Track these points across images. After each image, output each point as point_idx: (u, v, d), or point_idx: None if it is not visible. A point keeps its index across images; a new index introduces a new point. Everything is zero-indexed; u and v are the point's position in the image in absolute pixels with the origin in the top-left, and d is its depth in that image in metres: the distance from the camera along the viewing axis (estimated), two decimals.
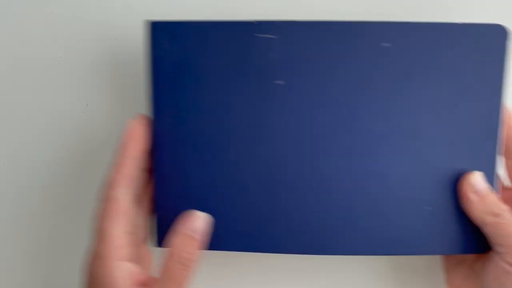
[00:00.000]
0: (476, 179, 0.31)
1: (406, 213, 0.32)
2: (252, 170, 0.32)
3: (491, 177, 0.32)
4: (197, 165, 0.32)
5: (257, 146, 0.32)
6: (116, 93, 0.38)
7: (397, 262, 0.38)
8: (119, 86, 0.38)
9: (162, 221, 0.32)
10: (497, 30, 0.32)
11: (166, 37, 0.32)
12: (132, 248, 0.30)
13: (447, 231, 0.32)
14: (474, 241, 0.32)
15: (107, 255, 0.28)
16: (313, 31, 0.31)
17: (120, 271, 0.28)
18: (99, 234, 0.29)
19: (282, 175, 0.32)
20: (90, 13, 0.37)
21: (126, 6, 0.37)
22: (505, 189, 0.34)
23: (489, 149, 0.32)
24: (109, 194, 0.29)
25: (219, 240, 0.32)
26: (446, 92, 0.32)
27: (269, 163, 0.32)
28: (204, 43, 0.32)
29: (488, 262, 0.32)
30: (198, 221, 0.30)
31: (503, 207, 0.31)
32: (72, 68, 0.37)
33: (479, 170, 0.32)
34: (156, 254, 0.33)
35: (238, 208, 0.32)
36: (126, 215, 0.29)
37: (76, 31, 0.37)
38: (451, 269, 0.35)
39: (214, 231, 0.32)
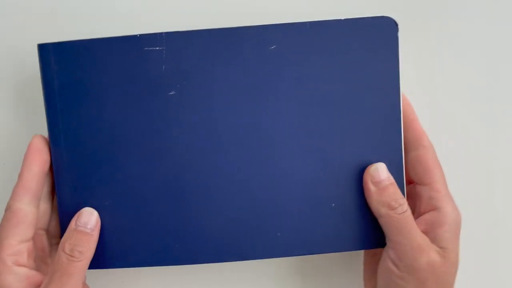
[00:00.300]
0: (376, 170, 0.31)
1: (314, 212, 0.32)
2: (154, 182, 0.32)
3: (397, 170, 0.32)
4: (98, 181, 0.32)
5: (157, 158, 0.32)
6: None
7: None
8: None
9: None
10: (386, 22, 0.32)
11: (53, 58, 0.32)
12: (32, 253, 0.32)
13: (354, 227, 0.32)
14: (376, 235, 0.32)
15: (1, 262, 0.30)
16: (199, 40, 0.31)
17: (12, 275, 0.30)
18: None
19: (185, 185, 0.32)
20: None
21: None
22: (411, 183, 0.33)
23: (393, 141, 0.32)
24: (9, 204, 0.31)
25: (127, 257, 0.32)
26: (342, 88, 0.32)
27: (172, 174, 0.32)
28: (92, 60, 0.32)
29: (381, 257, 0.32)
30: (85, 216, 0.32)
31: (401, 201, 0.31)
32: None
33: (385, 161, 0.32)
34: None
35: (144, 222, 0.32)
36: (25, 225, 0.31)
37: None
38: (366, 263, 0.35)
39: (121, 248, 0.32)
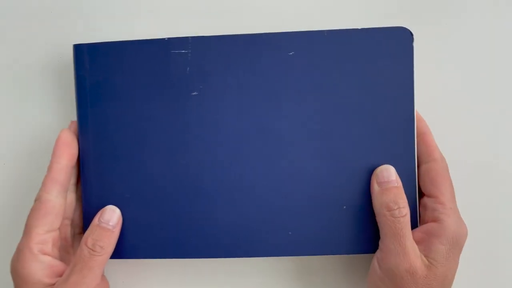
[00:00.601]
0: (382, 171, 0.32)
1: (325, 213, 0.33)
2: (172, 178, 0.34)
3: (409, 176, 0.33)
4: (121, 175, 0.34)
5: (176, 155, 0.34)
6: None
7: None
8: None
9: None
10: (402, 33, 0.33)
11: (87, 57, 0.34)
12: (57, 242, 0.33)
13: (365, 230, 0.33)
14: None
15: (26, 249, 0.32)
16: (222, 44, 0.33)
17: (37, 263, 0.32)
18: (25, 231, 0.32)
19: (203, 182, 0.34)
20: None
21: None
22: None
23: (406, 148, 0.33)
24: (39, 195, 0.33)
25: (142, 249, 0.34)
26: (357, 94, 0.33)
27: (188, 170, 0.34)
28: (122, 61, 0.34)
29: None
30: (108, 213, 0.33)
31: (401, 205, 0.31)
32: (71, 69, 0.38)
33: (398, 166, 0.33)
34: None
35: (161, 215, 0.34)
36: (52, 215, 0.32)
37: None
38: None
39: (138, 240, 0.34)
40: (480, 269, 0.37)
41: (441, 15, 0.38)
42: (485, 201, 0.37)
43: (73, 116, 0.35)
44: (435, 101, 0.37)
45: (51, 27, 0.39)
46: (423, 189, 0.33)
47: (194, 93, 0.34)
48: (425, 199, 0.32)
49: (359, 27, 0.33)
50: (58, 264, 0.33)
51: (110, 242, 0.33)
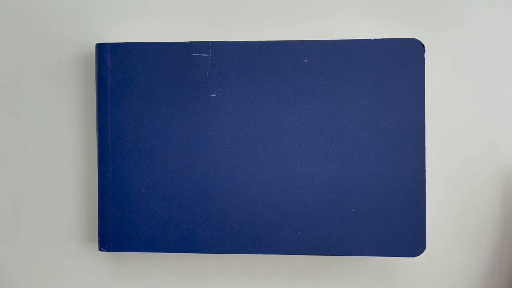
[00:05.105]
0: None
1: (335, 214, 0.34)
2: (188, 175, 0.35)
3: (419, 184, 0.34)
4: (137, 170, 0.35)
5: (193, 154, 0.35)
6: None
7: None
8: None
9: (104, 226, 0.36)
10: (413, 44, 0.34)
11: (109, 57, 0.35)
12: None
13: (373, 233, 0.34)
14: (404, 244, 0.34)
15: None
16: (241, 50, 0.35)
17: None
18: None
19: (216, 180, 0.35)
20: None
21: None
22: None
23: (416, 155, 0.34)
24: None
25: (158, 242, 0.35)
26: (369, 101, 0.34)
27: (204, 168, 0.35)
28: (145, 62, 0.35)
29: None
30: None
31: None
32: (71, 69, 0.39)
33: (408, 173, 0.34)
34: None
35: (175, 211, 0.35)
36: None
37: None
38: None
39: (153, 234, 0.35)
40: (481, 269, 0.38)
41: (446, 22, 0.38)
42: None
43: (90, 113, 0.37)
44: (443, 110, 0.38)
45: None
46: None
47: (213, 95, 0.35)
48: None
49: (372, 38, 0.35)
50: None
51: None
